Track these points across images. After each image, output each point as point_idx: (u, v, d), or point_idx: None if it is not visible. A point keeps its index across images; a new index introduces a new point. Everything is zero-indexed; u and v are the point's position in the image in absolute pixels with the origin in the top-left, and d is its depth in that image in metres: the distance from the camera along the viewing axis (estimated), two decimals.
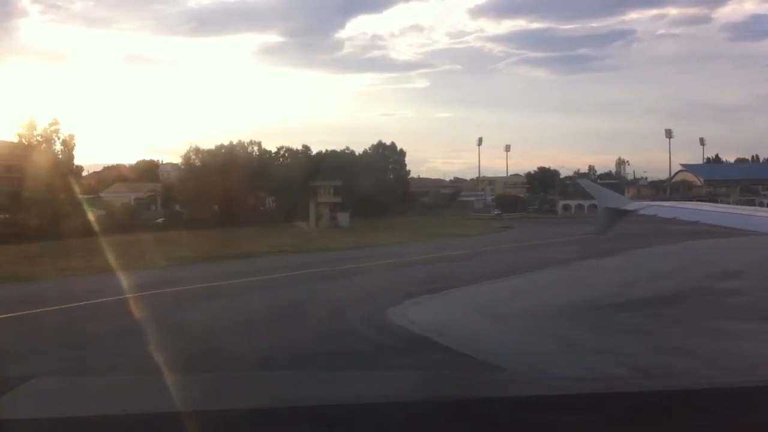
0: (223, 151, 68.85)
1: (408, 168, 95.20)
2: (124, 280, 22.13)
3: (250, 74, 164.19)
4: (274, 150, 74.76)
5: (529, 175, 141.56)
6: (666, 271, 31.06)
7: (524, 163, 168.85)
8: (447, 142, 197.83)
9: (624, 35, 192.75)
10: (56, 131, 53.67)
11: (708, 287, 25.07)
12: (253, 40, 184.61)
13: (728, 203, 60.60)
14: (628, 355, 14.54)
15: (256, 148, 70.42)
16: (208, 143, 76.79)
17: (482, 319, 18.92)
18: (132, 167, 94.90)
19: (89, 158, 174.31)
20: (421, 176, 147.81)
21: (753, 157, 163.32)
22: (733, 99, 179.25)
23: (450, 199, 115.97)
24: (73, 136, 55.25)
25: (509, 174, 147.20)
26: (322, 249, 41.30)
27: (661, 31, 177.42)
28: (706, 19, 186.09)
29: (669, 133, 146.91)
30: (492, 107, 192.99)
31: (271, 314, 19.32)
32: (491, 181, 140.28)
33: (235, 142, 69.80)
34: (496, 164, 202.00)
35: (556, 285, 26.51)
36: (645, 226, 37.67)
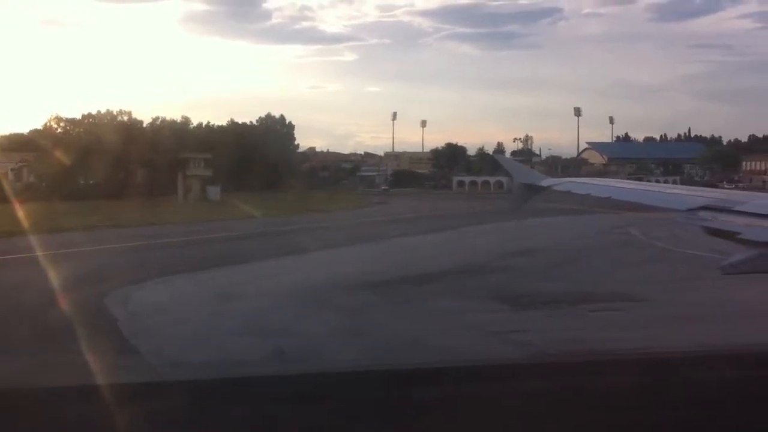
0: (90, 120, 66.14)
1: (297, 141, 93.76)
2: None
3: (173, 43, 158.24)
4: (148, 120, 72.22)
5: (435, 150, 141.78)
6: (472, 248, 31.21)
7: (443, 138, 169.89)
8: (375, 116, 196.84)
9: (551, 13, 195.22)
10: None
11: (486, 265, 25.10)
12: (178, 7, 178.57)
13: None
14: (296, 337, 14.13)
15: (125, 118, 67.89)
16: (74, 112, 73.38)
17: (205, 302, 18.28)
18: (24, 136, 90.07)
19: None
20: (331, 150, 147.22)
21: (662, 136, 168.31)
22: (655, 79, 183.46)
23: (349, 173, 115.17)
24: None
25: (426, 149, 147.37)
26: (156, 223, 40.09)
27: (587, 10, 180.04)
28: (631, 0, 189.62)
29: (578, 111, 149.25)
30: (419, 82, 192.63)
31: None
32: (397, 156, 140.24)
33: (104, 111, 67.10)
34: (417, 139, 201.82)
35: (342, 263, 26.11)
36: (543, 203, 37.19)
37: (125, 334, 14.45)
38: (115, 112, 67.59)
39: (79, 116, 67.54)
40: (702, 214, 7.75)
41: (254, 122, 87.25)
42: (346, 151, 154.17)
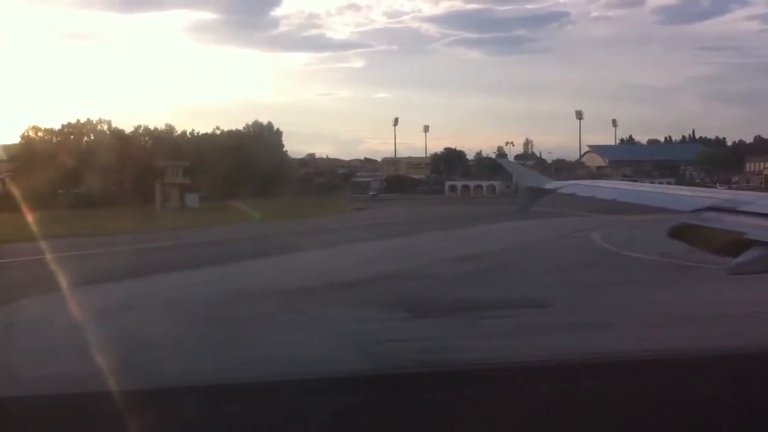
0: (68, 129, 65.93)
1: (285, 148, 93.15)
2: None
3: (181, 52, 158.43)
4: (130, 129, 71.79)
5: (435, 155, 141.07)
6: (418, 253, 30.45)
7: (448, 143, 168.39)
8: (383, 122, 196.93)
9: (559, 17, 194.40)
10: None
11: (419, 271, 24.38)
12: (185, 16, 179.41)
13: None
14: (150, 350, 13.48)
15: (105, 127, 67.63)
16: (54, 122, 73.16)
17: (84, 315, 17.66)
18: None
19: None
20: (338, 156, 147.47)
21: (666, 138, 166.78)
22: (662, 81, 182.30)
23: (344, 179, 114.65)
24: None
25: (429, 154, 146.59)
26: (113, 232, 39.68)
27: (595, 14, 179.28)
28: (639, 2, 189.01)
29: (579, 115, 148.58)
30: (427, 88, 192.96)
31: None
32: (395, 162, 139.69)
33: (83, 121, 66.85)
34: (423, 144, 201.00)
35: (270, 271, 25.54)
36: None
37: None
38: (94, 121, 67.31)
39: (59, 126, 67.30)
40: (707, 215, 7.86)
41: (240, 129, 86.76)
42: (354, 156, 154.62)
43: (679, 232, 32.71)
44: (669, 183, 78.09)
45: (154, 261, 27.53)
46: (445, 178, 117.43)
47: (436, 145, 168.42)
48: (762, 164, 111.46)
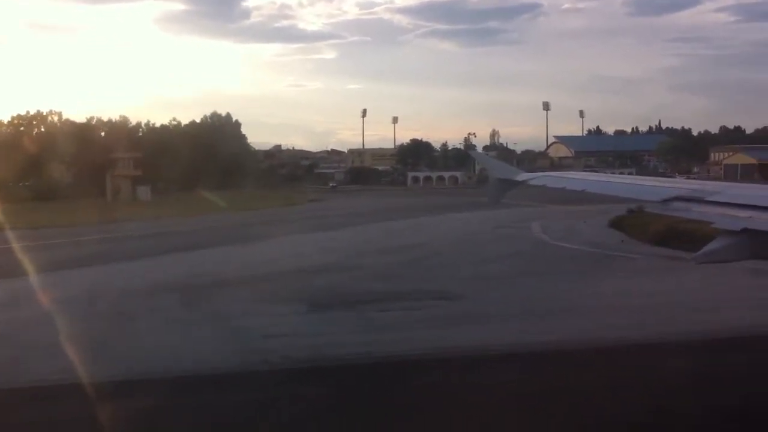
0: (18, 121, 64.43)
1: (248, 139, 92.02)
2: None
3: (151, 44, 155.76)
4: (83, 120, 70.34)
5: (401, 147, 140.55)
6: (349, 245, 30.07)
7: (419, 134, 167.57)
8: (355, 113, 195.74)
9: (531, 9, 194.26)
10: None
11: (339, 264, 23.98)
12: (156, 7, 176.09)
13: None
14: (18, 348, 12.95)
15: (56, 119, 66.19)
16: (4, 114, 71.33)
17: None
18: None
19: None
20: (296, 147, 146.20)
21: (633, 129, 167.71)
22: (632, 73, 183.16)
23: (307, 171, 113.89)
24: None
25: (397, 146, 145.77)
26: (41, 227, 38.62)
27: (567, 6, 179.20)
28: None
29: (546, 106, 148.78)
30: (399, 79, 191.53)
31: None
32: (360, 153, 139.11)
33: (32, 113, 65.31)
34: (392, 136, 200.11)
35: (194, 264, 24.98)
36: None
37: None
38: (44, 113, 65.81)
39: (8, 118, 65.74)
40: (675, 204, 8.02)
41: (197, 121, 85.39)
42: (324, 148, 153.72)
43: (618, 222, 32.83)
44: (630, 173, 78.59)
45: (63, 257, 26.63)
46: (410, 169, 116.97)
47: (405, 136, 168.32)
48: (725, 154, 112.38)
